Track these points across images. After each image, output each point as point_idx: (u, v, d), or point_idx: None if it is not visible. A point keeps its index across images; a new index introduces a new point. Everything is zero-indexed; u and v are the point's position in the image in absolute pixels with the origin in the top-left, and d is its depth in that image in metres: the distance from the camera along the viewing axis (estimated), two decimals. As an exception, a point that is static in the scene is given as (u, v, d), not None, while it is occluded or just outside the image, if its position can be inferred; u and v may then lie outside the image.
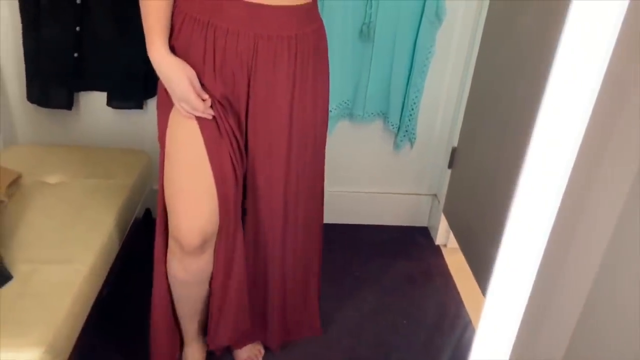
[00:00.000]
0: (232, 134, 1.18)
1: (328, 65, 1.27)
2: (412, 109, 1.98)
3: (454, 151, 2.03)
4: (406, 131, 2.03)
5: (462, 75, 1.96)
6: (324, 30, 1.24)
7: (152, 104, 1.91)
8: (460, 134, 1.99)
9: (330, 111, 1.95)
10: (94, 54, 1.77)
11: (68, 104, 1.84)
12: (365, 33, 1.84)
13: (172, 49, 1.14)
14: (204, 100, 1.13)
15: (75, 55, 1.76)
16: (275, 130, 1.21)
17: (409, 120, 2.00)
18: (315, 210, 1.41)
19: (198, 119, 1.15)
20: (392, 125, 2.02)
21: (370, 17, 1.82)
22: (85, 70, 1.80)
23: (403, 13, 1.82)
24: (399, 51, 1.88)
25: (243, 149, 1.22)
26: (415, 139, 2.06)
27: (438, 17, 1.84)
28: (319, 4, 1.76)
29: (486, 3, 1.79)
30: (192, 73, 1.12)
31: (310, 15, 1.18)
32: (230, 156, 1.18)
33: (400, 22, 1.83)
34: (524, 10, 1.56)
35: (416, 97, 1.96)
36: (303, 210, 1.35)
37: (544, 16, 1.43)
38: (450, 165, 2.06)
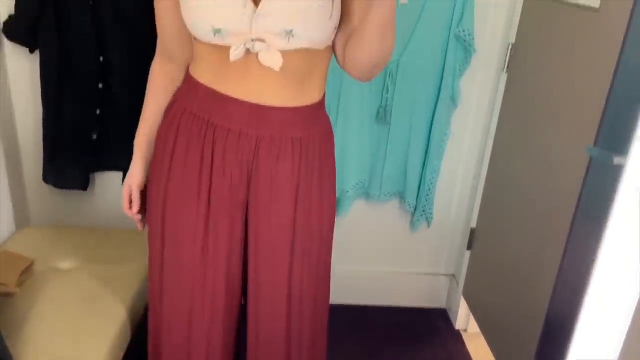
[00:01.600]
0: (226, 257, 1.11)
1: (334, 165, 1.18)
2: (429, 189, 1.97)
3: (472, 232, 1.99)
4: (423, 211, 2.00)
5: (478, 155, 1.95)
6: (331, 131, 1.17)
7: (167, 184, 1.90)
8: (479, 215, 1.96)
9: (347, 192, 1.94)
10: (113, 135, 1.78)
11: (84, 185, 1.83)
12: (382, 116, 1.85)
13: (168, 142, 1.10)
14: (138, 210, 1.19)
15: (94, 137, 1.77)
16: (278, 235, 1.10)
17: (426, 200, 1.98)
18: (321, 314, 1.24)
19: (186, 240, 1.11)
20: (409, 205, 2.00)
21: (387, 101, 1.84)
22: (103, 151, 1.80)
23: (419, 97, 1.84)
24: (416, 133, 1.89)
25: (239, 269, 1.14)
26: (432, 218, 2.03)
27: (453, 100, 1.85)
28: (337, 87, 1.80)
29: (502, 87, 1.81)
30: (137, 182, 1.18)
31: (317, 116, 1.10)
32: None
33: (416, 105, 1.85)
34: (539, 90, 1.57)
35: (433, 177, 1.95)
36: (309, 311, 1.19)
37: (558, 97, 1.44)
38: (469, 247, 2.02)
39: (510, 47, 1.75)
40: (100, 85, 1.71)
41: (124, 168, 1.85)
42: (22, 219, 1.85)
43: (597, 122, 1.25)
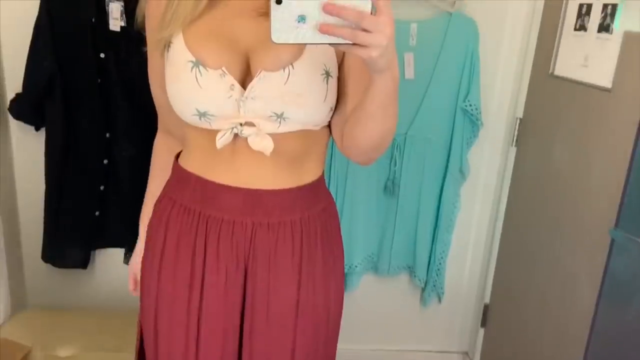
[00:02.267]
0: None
1: (341, 243, 1.08)
2: (440, 263, 1.92)
3: (486, 308, 1.92)
4: (434, 286, 1.94)
5: (488, 229, 1.92)
6: (334, 208, 1.08)
7: (170, 260, 1.84)
8: (492, 290, 1.90)
9: (355, 266, 1.89)
10: (115, 212, 1.74)
11: (84, 263, 1.77)
12: (390, 189, 1.83)
13: (158, 240, 1.01)
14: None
15: (97, 213, 1.73)
16: (277, 328, 0.99)
17: (437, 274, 1.93)
18: None
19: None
20: (419, 280, 1.94)
21: (395, 174, 1.82)
22: (104, 228, 1.76)
23: (427, 170, 1.83)
24: (424, 206, 1.86)
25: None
26: (443, 293, 1.96)
27: (462, 173, 1.84)
28: (344, 159, 1.78)
29: (511, 161, 1.80)
30: (136, 271, 1.13)
31: (317, 194, 1.02)
32: None
33: (424, 178, 1.83)
34: (551, 166, 1.55)
35: (443, 251, 1.91)
36: None
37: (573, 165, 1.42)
38: (483, 324, 1.94)
39: (518, 122, 1.75)
40: (105, 162, 1.69)
41: (126, 244, 1.80)
42: (19, 300, 1.78)
43: (615, 202, 1.22)
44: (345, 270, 1.87)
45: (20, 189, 1.77)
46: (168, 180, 1.04)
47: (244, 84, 0.89)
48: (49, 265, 1.78)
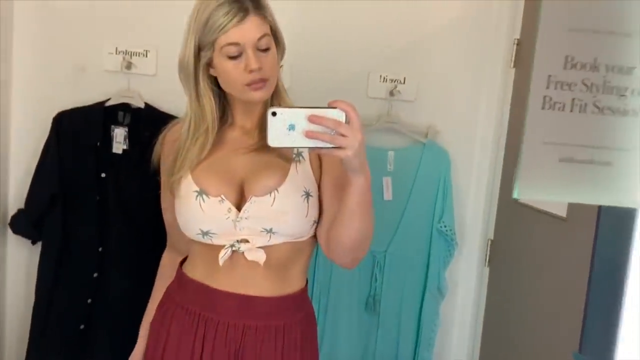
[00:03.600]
0: None
1: (317, 348, 1.25)
2: (422, 382, 1.92)
3: None
4: (417, 406, 1.92)
5: (468, 348, 1.94)
6: (313, 317, 1.25)
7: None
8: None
9: (337, 384, 1.88)
10: (101, 326, 1.76)
11: (66, 376, 1.77)
12: (371, 305, 1.88)
13: (162, 334, 1.17)
14: None
15: (82, 326, 1.75)
16: None
17: (419, 394, 1.92)
18: None
19: None
20: (401, 400, 1.92)
21: (375, 290, 1.88)
22: (88, 342, 1.77)
23: (407, 287, 1.89)
24: (405, 324, 1.89)
25: None
26: (426, 414, 1.94)
27: (440, 291, 1.90)
28: (327, 276, 1.85)
29: (485, 282, 1.87)
30: None
31: (298, 304, 1.18)
32: None
33: (404, 295, 1.89)
34: (520, 286, 1.62)
35: (424, 370, 1.91)
36: None
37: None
38: None
39: (489, 243, 1.86)
40: (95, 275, 1.75)
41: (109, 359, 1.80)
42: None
43: (578, 327, 1.29)
44: (328, 388, 1.87)
45: (10, 301, 1.81)
46: (171, 284, 1.21)
47: (239, 207, 1.09)
48: (28, 380, 1.77)
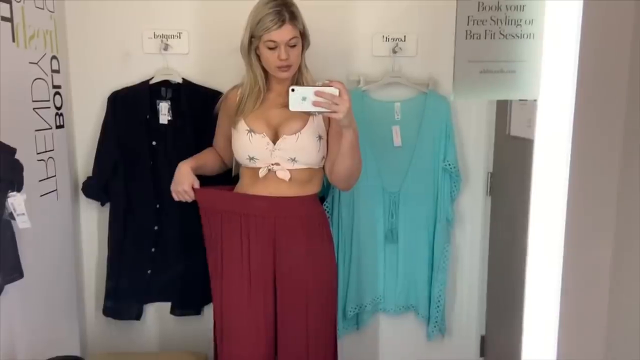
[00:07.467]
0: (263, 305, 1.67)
1: (331, 235, 1.80)
2: (439, 302, 2.20)
3: (483, 339, 2.19)
4: (436, 322, 2.21)
5: (479, 267, 2.22)
6: (325, 214, 1.82)
7: (207, 309, 2.16)
8: (487, 322, 2.17)
9: (365, 306, 2.19)
10: (164, 271, 2.09)
11: (138, 315, 2.11)
12: (389, 237, 2.17)
13: (217, 230, 1.71)
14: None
15: (149, 272, 2.08)
16: (297, 287, 1.67)
17: (437, 312, 2.20)
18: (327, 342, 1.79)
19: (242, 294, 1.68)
20: (422, 317, 2.22)
21: (392, 225, 2.16)
22: (155, 285, 2.10)
23: (420, 220, 2.16)
24: (420, 251, 2.18)
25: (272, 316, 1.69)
26: (445, 328, 2.23)
27: (449, 221, 2.17)
28: (349, 214, 2.14)
29: (488, 209, 2.13)
30: (192, 180, 1.70)
31: (315, 202, 1.76)
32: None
33: (418, 227, 2.17)
34: (520, 212, 1.88)
35: (440, 290, 2.20)
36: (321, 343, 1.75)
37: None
38: (482, 354, 2.19)
39: (489, 175, 2.12)
40: (156, 227, 2.08)
41: (173, 299, 2.14)
42: (82, 348, 2.11)
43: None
44: (357, 310, 2.18)
45: (86, 256, 2.14)
46: (221, 195, 1.74)
47: (274, 141, 1.65)
48: (107, 318, 2.12)
